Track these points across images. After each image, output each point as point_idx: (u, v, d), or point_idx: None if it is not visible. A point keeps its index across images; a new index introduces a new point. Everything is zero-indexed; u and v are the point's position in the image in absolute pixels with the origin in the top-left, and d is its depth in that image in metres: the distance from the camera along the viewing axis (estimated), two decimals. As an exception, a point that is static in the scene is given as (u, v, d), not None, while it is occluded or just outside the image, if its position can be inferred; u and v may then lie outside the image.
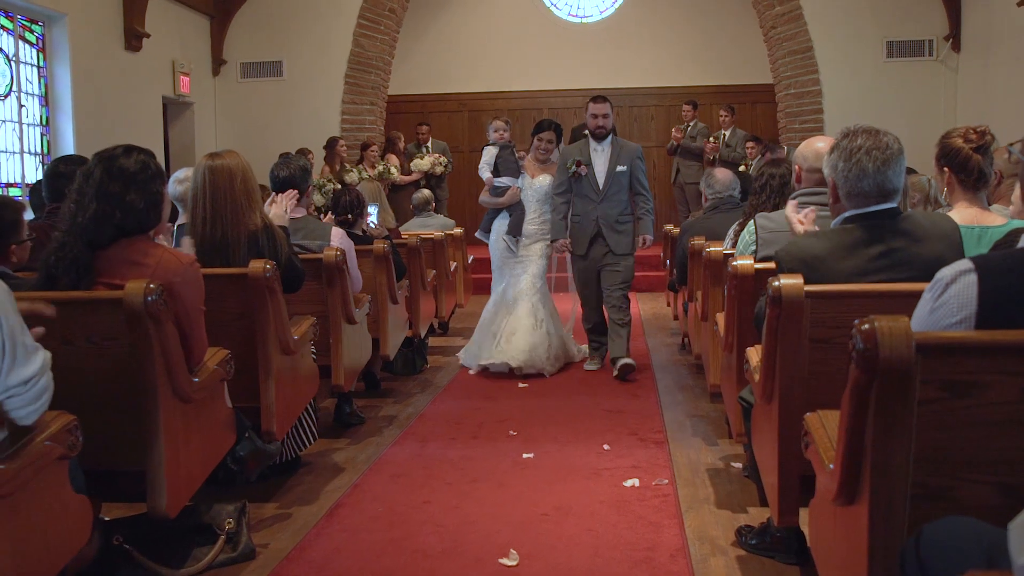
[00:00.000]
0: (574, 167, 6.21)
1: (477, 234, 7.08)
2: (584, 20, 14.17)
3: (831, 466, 2.09)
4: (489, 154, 6.80)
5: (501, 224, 6.72)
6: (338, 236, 4.76)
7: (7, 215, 3.32)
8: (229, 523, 3.25)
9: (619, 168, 6.24)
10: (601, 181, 6.23)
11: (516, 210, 6.61)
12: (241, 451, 3.53)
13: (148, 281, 2.78)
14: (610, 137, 6.35)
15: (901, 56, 11.63)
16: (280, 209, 4.26)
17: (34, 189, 5.64)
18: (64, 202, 3.18)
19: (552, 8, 14.25)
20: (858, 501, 1.96)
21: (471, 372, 6.46)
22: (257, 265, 3.62)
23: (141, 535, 3.08)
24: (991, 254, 2.31)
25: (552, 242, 6.50)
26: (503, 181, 6.66)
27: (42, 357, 2.25)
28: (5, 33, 8.29)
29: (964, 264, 1.93)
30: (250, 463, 3.62)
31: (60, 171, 4.20)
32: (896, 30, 11.58)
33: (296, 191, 4.49)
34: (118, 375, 2.85)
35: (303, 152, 10.54)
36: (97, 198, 2.95)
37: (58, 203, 3.90)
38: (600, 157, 6.27)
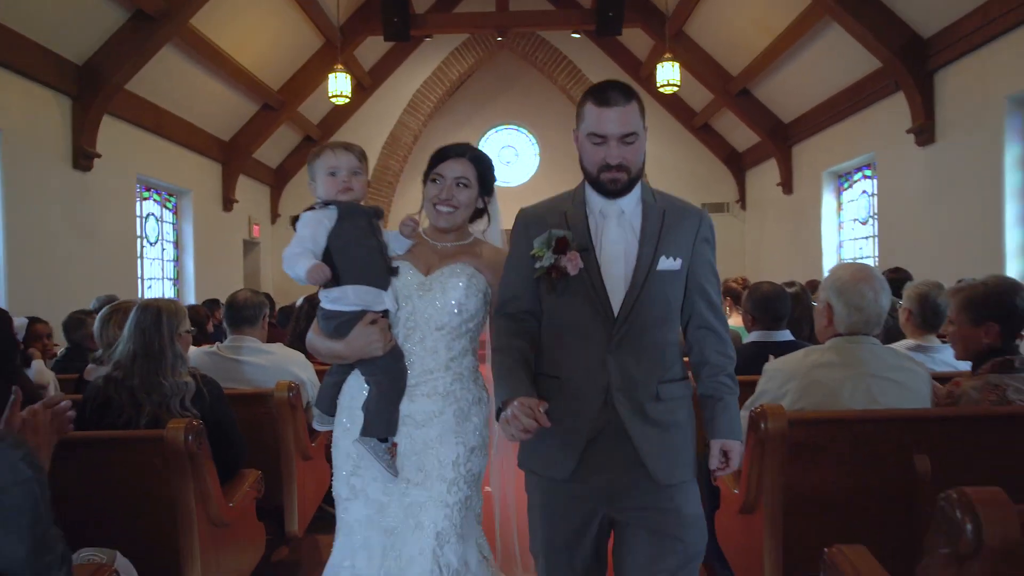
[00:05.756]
0: (550, 256, 1.67)
1: (315, 423, 2.21)
2: (507, 184, 15.11)
3: (736, 491, 2.44)
4: (311, 223, 2.00)
5: (352, 401, 2.05)
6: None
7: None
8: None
9: (664, 262, 1.71)
10: (621, 290, 1.68)
11: (379, 371, 1.97)
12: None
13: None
14: (637, 188, 1.82)
15: (712, 212, 12.14)
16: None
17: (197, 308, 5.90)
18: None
19: (483, 175, 15.35)
20: (756, 512, 2.27)
21: None
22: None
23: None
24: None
25: (500, 409, 1.63)
26: (343, 296, 1.97)
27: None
28: (155, 203, 9.12)
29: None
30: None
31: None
32: (706, 194, 12.42)
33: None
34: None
35: (336, 276, 11.50)
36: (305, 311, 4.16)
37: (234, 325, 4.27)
38: (615, 229, 1.75)
